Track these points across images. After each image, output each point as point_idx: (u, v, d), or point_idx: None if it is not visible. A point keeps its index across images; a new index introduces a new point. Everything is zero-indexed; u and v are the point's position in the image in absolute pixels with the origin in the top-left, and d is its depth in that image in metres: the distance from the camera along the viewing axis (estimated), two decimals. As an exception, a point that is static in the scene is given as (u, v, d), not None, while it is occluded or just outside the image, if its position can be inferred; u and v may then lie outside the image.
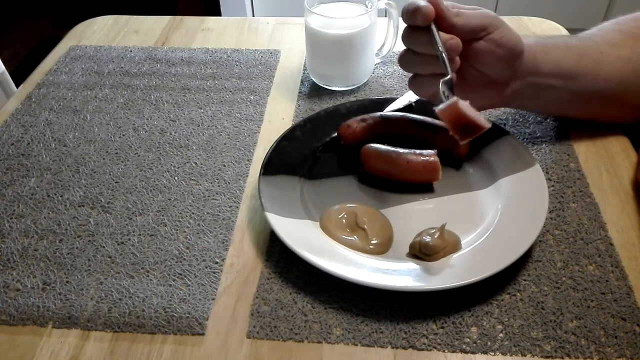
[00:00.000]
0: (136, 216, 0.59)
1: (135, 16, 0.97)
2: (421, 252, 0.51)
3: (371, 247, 0.53)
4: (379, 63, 0.81)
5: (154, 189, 0.62)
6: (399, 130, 0.63)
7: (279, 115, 0.73)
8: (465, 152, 0.61)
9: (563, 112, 0.67)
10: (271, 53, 0.85)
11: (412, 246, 0.52)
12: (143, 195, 0.61)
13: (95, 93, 0.78)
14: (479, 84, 0.59)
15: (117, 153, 0.67)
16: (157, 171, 0.65)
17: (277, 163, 0.61)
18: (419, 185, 0.60)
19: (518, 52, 0.57)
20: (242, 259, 0.54)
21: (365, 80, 0.78)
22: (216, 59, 0.84)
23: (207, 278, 0.52)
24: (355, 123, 0.63)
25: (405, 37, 0.56)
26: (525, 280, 0.51)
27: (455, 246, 0.52)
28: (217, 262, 0.54)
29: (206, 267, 0.53)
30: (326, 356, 0.46)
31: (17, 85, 0.92)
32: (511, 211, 0.55)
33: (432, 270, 0.50)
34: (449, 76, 0.53)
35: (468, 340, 0.47)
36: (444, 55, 0.53)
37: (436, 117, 0.63)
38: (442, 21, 0.54)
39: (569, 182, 0.61)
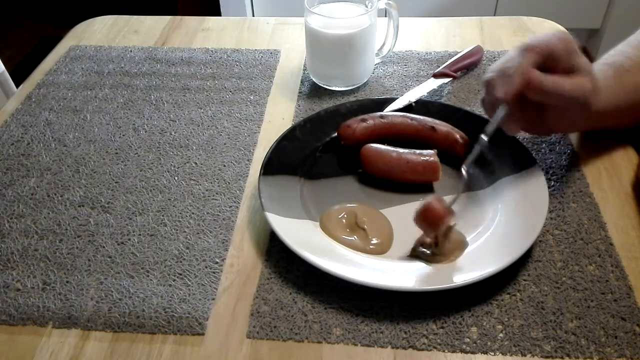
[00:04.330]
0: (136, 216, 0.59)
1: (135, 16, 0.97)
2: (428, 254, 0.51)
3: (371, 247, 0.53)
4: (379, 63, 0.81)
5: (154, 189, 0.62)
6: (399, 130, 0.63)
7: (279, 115, 0.73)
8: (465, 152, 0.61)
9: (604, 129, 0.67)
10: (271, 53, 0.85)
11: (421, 244, 0.52)
12: (143, 195, 0.61)
13: (95, 93, 0.78)
14: (541, 126, 0.58)
15: (117, 153, 0.67)
16: (157, 171, 0.65)
17: (277, 163, 0.61)
18: (419, 185, 0.60)
19: (589, 115, 0.56)
20: (242, 259, 0.54)
21: (365, 80, 0.78)
22: (216, 59, 0.84)
23: (207, 278, 0.52)
24: (355, 123, 0.63)
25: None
26: (525, 280, 0.51)
27: (462, 245, 0.52)
28: (217, 262, 0.54)
29: (206, 267, 0.53)
30: (326, 356, 0.46)
31: (17, 85, 0.92)
32: (511, 211, 0.55)
33: (432, 270, 0.50)
34: (467, 167, 0.55)
35: (468, 340, 0.47)
36: (482, 146, 0.54)
37: (436, 117, 0.64)
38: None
39: (569, 182, 0.61)
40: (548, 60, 0.53)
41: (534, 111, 0.56)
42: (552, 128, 0.59)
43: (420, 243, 0.52)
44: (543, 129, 0.59)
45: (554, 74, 0.53)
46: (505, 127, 0.55)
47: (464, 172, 0.54)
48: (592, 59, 0.62)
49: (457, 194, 0.53)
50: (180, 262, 0.54)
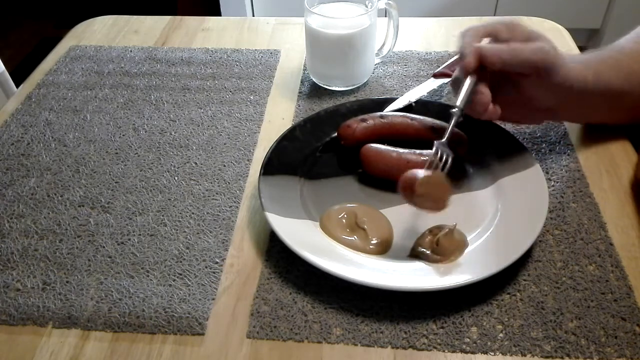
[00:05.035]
0: (136, 216, 0.59)
1: (135, 16, 0.97)
2: (428, 254, 0.51)
3: (371, 247, 0.53)
4: (379, 63, 0.81)
5: (154, 189, 0.62)
6: (399, 130, 0.63)
7: (279, 115, 0.73)
8: (465, 152, 0.61)
9: (601, 122, 0.67)
10: (271, 53, 0.85)
11: (421, 244, 0.52)
12: (143, 195, 0.61)
13: (95, 93, 0.78)
14: (525, 107, 0.59)
15: (117, 153, 0.67)
16: (157, 171, 0.65)
17: (277, 163, 0.61)
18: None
19: (566, 88, 0.57)
20: (242, 259, 0.54)
21: (365, 80, 0.78)
22: (216, 59, 0.84)
23: (207, 278, 0.52)
24: (355, 123, 0.63)
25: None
26: (525, 280, 0.51)
27: (462, 245, 0.52)
28: (217, 262, 0.54)
29: (206, 267, 0.53)
30: (326, 356, 0.46)
31: (17, 85, 0.92)
32: (511, 211, 0.55)
33: (432, 270, 0.50)
34: (443, 139, 0.56)
35: (468, 340, 0.47)
36: (456, 116, 0.56)
37: (436, 117, 0.64)
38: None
39: (569, 182, 0.61)
40: (493, 38, 0.57)
41: (510, 87, 0.58)
42: (535, 104, 0.59)
43: (420, 243, 0.52)
44: (530, 114, 0.61)
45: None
46: (485, 111, 0.56)
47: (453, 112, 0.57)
48: None
49: (449, 127, 0.56)
50: (180, 262, 0.54)
